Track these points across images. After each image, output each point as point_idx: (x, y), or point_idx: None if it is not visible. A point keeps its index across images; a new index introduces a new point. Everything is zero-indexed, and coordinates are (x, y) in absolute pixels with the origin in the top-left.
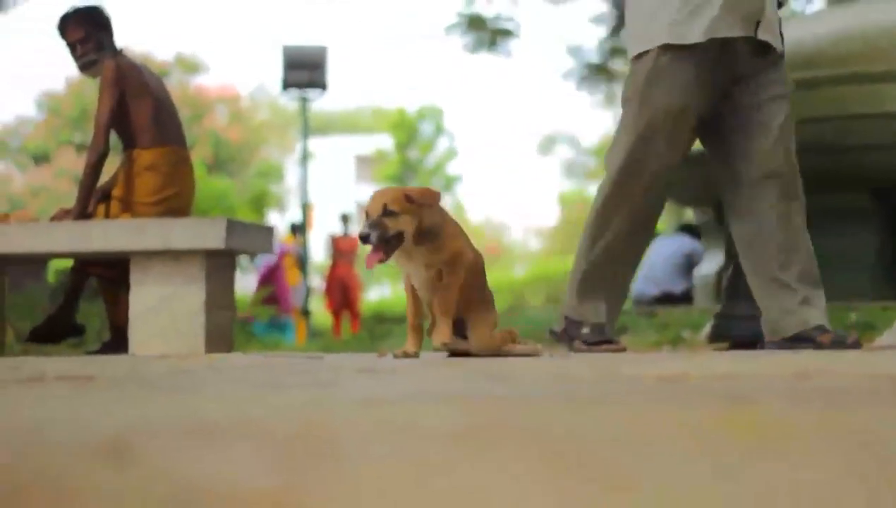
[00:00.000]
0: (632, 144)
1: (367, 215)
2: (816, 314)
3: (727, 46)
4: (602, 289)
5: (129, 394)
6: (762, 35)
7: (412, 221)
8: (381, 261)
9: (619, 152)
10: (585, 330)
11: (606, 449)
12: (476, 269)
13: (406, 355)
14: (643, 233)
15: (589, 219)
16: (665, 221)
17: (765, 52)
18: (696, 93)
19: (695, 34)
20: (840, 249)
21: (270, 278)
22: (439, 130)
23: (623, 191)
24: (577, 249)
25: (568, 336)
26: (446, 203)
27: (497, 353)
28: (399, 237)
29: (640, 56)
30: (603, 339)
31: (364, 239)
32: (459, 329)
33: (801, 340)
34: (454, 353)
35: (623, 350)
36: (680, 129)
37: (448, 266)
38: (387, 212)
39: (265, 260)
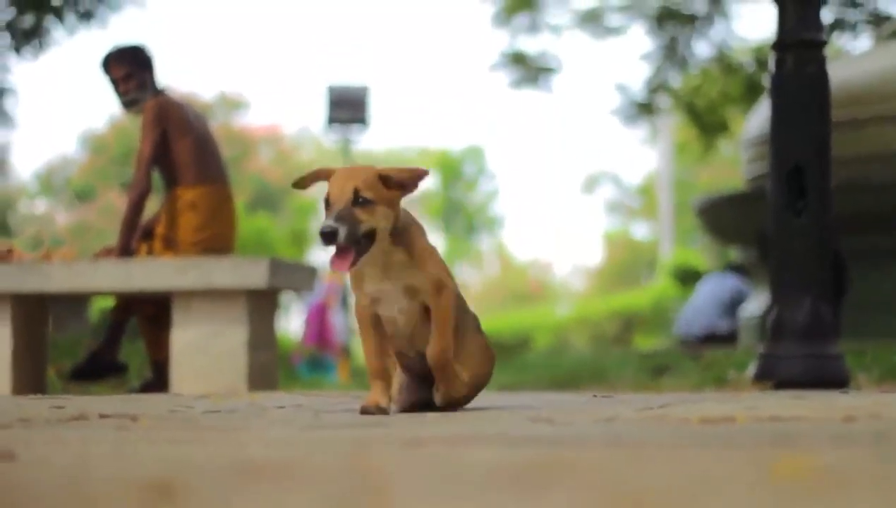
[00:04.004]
0: None
1: (331, 204)
2: None
3: None
4: None
5: (174, 434)
6: None
7: (389, 214)
8: (351, 268)
9: None
10: None
11: (655, 493)
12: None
13: (379, 409)
14: None
15: None
16: (712, 261)
17: None
18: None
19: None
20: (886, 290)
21: (318, 317)
22: (481, 170)
23: None
24: None
25: None
26: (486, 242)
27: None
28: (371, 236)
29: None
30: None
31: (328, 237)
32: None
33: None
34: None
35: None
36: None
37: (434, 300)
38: (359, 201)
39: (313, 299)
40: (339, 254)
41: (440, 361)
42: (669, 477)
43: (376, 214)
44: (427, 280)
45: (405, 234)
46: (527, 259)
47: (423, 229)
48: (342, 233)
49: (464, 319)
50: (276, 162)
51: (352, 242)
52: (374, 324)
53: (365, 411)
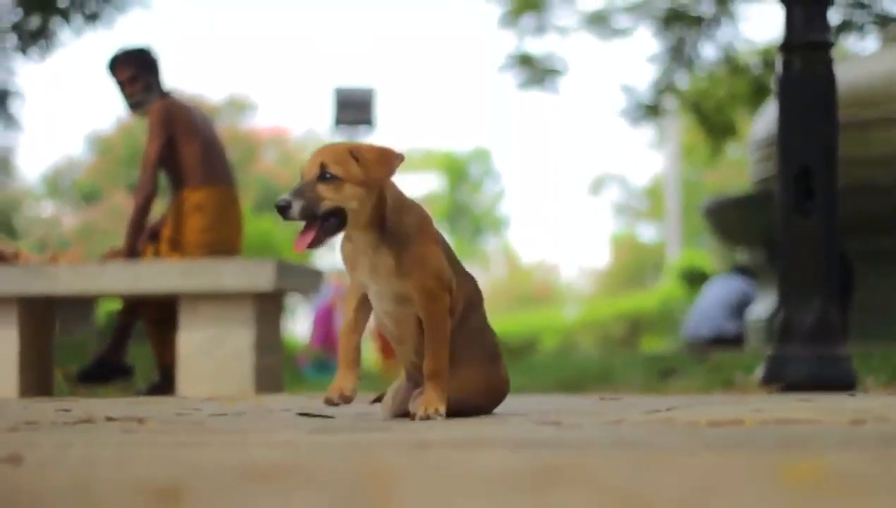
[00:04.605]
0: None
1: (302, 178)
2: None
3: None
4: None
5: (180, 437)
6: None
7: (361, 194)
8: (312, 246)
9: None
10: None
11: (663, 496)
12: (471, 298)
13: (343, 399)
14: None
15: None
16: (719, 263)
17: None
18: None
19: None
20: (893, 292)
21: (326, 320)
22: (488, 172)
23: None
24: None
25: None
26: (492, 244)
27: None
28: (340, 216)
29: None
30: None
31: (281, 210)
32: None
33: None
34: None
35: None
36: None
37: (426, 311)
38: (325, 176)
39: (320, 301)
40: (304, 231)
41: (435, 381)
42: (677, 481)
43: (343, 192)
44: (416, 288)
45: (400, 238)
46: (533, 261)
47: (430, 233)
48: (296, 207)
49: (471, 337)
50: (281, 163)
51: (307, 217)
52: (361, 302)
53: (328, 402)
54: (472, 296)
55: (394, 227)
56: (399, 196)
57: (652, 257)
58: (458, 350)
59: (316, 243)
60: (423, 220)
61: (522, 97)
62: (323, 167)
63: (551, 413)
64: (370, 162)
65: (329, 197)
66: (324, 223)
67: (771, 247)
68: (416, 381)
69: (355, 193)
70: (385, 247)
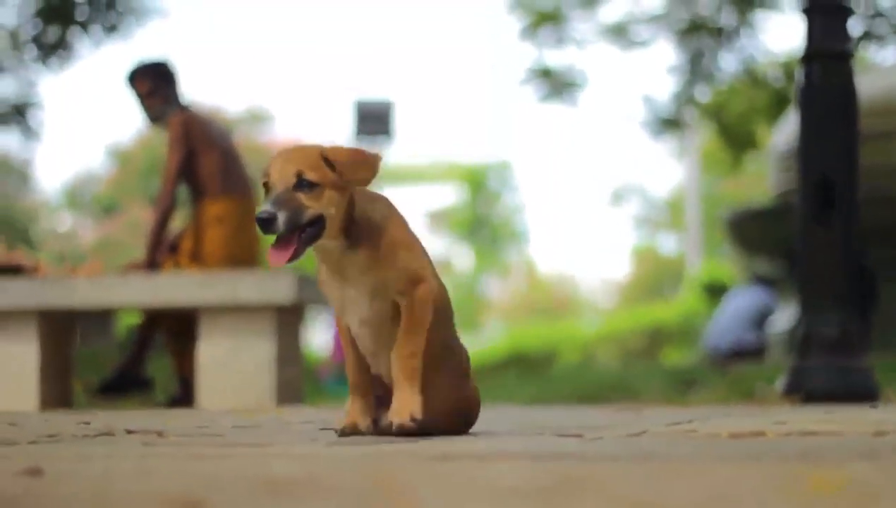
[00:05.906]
0: None
1: (269, 187)
2: None
3: None
4: None
5: (200, 450)
6: None
7: (338, 200)
8: (292, 260)
9: None
10: None
11: (680, 505)
12: (440, 306)
13: (354, 430)
14: None
15: None
16: (741, 274)
17: None
18: None
19: None
20: None
21: None
22: (507, 184)
23: None
24: None
25: None
26: (512, 256)
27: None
28: (318, 224)
29: None
30: None
31: (265, 224)
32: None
33: None
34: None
35: None
36: None
37: (407, 295)
38: (303, 184)
39: None
40: (279, 244)
41: (405, 368)
42: (700, 493)
43: (323, 199)
44: (399, 273)
45: (370, 230)
46: (553, 272)
47: (402, 222)
48: (281, 218)
49: (442, 352)
50: None
51: (293, 230)
52: (350, 332)
53: (342, 433)
54: (443, 306)
55: (361, 222)
56: (362, 191)
57: (672, 269)
58: (428, 365)
59: (296, 256)
60: (390, 209)
61: (543, 109)
62: (300, 174)
63: (572, 425)
64: (348, 166)
65: (311, 205)
66: (301, 234)
67: (791, 259)
68: (379, 398)
69: (332, 199)
70: (353, 243)
